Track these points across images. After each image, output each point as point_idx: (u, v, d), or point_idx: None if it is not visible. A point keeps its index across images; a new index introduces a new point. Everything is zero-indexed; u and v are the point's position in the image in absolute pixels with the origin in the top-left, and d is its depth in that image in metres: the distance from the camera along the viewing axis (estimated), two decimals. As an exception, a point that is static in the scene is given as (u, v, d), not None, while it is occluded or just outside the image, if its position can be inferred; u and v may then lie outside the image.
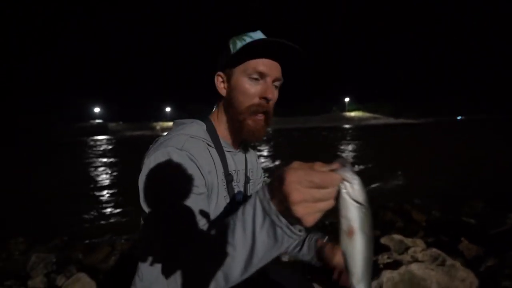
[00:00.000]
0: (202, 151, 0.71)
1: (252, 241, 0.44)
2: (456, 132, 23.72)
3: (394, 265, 1.67)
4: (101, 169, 9.91)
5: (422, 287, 1.52)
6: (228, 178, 0.78)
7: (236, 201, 0.80)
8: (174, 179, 0.64)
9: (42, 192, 6.27)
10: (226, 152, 0.79)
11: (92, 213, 4.68)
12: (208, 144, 0.75)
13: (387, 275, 1.56)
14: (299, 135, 27.94)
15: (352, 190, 0.38)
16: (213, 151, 0.76)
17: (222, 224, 0.49)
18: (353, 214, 0.38)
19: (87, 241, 3.26)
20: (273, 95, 0.77)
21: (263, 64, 0.75)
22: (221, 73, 0.80)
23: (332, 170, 0.39)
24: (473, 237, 2.40)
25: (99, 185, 7.21)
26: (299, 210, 0.38)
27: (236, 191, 0.82)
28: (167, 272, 0.54)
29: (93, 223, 4.19)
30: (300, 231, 0.42)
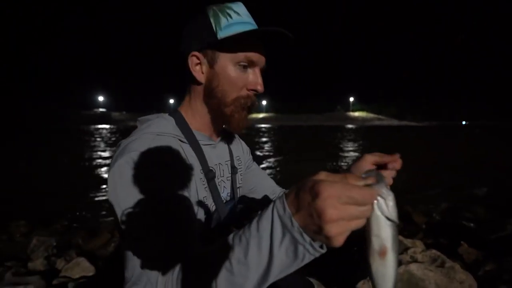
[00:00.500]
0: (173, 150, 0.62)
1: (269, 260, 0.39)
2: (460, 137, 23.57)
3: (393, 264, 1.66)
4: (102, 159, 9.96)
5: (421, 287, 1.52)
6: (209, 175, 0.69)
7: (221, 199, 0.74)
8: (146, 189, 0.54)
9: (44, 179, 6.32)
10: (203, 146, 0.71)
11: (93, 199, 4.71)
12: (180, 140, 0.66)
13: (385, 274, 1.56)
14: (302, 133, 27.87)
15: (385, 207, 0.35)
16: (187, 147, 0.67)
17: (230, 241, 0.44)
18: (386, 233, 0.36)
19: (87, 227, 3.29)
20: (263, 87, 0.69)
21: (256, 52, 0.67)
22: (197, 54, 0.67)
23: (367, 185, 0.36)
24: (473, 241, 2.39)
25: (101, 173, 7.25)
26: (332, 229, 0.34)
27: (220, 187, 0.75)
28: None
29: (94, 210, 4.22)
30: (321, 247, 0.38)
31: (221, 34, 0.64)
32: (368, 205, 0.35)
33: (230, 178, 0.80)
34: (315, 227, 0.35)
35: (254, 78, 0.68)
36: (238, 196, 0.85)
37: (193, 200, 0.65)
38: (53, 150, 12.28)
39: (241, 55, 0.66)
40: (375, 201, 0.35)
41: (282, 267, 0.40)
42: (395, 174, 0.64)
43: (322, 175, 0.37)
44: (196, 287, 0.45)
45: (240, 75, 0.67)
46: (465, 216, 3.58)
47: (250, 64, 0.67)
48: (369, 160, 0.65)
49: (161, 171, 0.57)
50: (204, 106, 0.71)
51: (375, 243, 0.36)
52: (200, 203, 0.67)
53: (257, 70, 0.69)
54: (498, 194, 4.86)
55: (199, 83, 0.69)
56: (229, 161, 0.82)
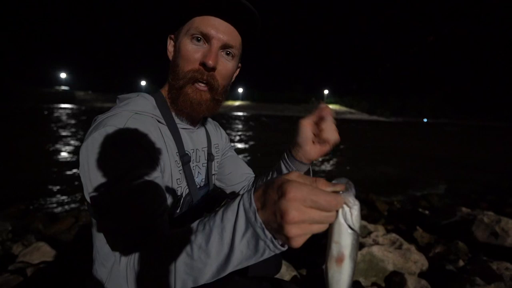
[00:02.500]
0: (150, 129, 0.61)
1: (229, 250, 0.40)
2: (421, 132, 25.42)
3: (357, 246, 1.78)
4: (63, 141, 9.28)
5: (380, 266, 1.65)
6: (184, 158, 0.68)
7: (195, 183, 0.72)
8: (118, 165, 0.53)
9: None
10: (181, 130, 0.70)
11: (54, 184, 4.41)
12: (158, 121, 0.65)
13: (350, 255, 1.67)
14: (275, 123, 28.20)
15: (350, 216, 0.36)
16: (165, 129, 0.66)
17: (194, 226, 0.44)
18: (346, 241, 0.36)
19: (48, 212, 3.08)
20: (215, 61, 0.63)
21: (210, 25, 0.62)
22: (172, 35, 0.70)
23: (336, 192, 0.36)
24: (427, 227, 2.63)
25: (61, 156, 6.77)
26: (293, 230, 0.34)
27: (195, 172, 0.74)
28: (129, 269, 0.48)
29: (55, 194, 3.96)
30: (282, 245, 0.38)
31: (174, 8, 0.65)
32: (332, 211, 0.35)
33: (206, 165, 0.80)
34: (276, 226, 0.35)
35: (205, 51, 0.63)
36: (213, 182, 0.85)
37: (166, 181, 0.64)
38: (7, 130, 11.16)
39: (193, 27, 0.63)
40: (340, 209, 0.35)
41: (242, 258, 0.40)
42: (335, 122, 0.62)
43: (294, 175, 0.37)
44: (156, 267, 0.46)
45: (193, 48, 0.63)
46: (421, 204, 3.92)
47: (205, 37, 0.63)
48: (307, 125, 0.63)
49: (135, 148, 0.56)
50: (168, 85, 0.70)
51: (334, 250, 0.36)
52: (173, 185, 0.66)
53: (215, 44, 0.63)
54: (450, 184, 5.37)
55: (170, 63, 0.69)
56: (206, 148, 0.80)
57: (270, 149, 9.42)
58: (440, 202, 4.06)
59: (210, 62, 0.62)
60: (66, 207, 3.33)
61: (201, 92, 0.65)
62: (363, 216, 3.24)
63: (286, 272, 1.60)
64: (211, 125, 0.89)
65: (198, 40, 0.63)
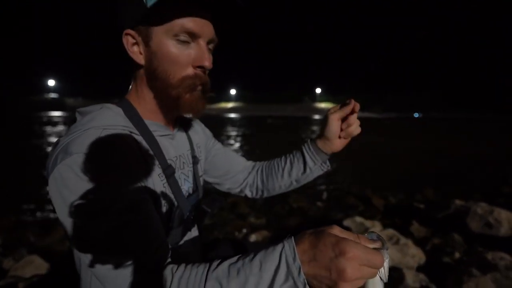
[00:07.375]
0: (125, 146, 0.53)
1: None
2: (412, 127, 25.80)
3: (355, 244, 1.79)
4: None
5: (379, 262, 1.65)
6: (168, 171, 0.61)
7: (183, 195, 0.66)
8: (101, 200, 0.46)
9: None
10: (159, 138, 0.63)
11: (45, 192, 4.31)
12: (131, 132, 0.57)
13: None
14: (271, 123, 28.27)
15: (383, 270, 0.39)
16: (141, 141, 0.58)
17: (224, 269, 0.42)
18: None
19: (39, 222, 3.01)
20: (210, 62, 0.61)
21: (194, 22, 0.57)
22: (131, 32, 0.58)
23: (376, 248, 0.39)
24: (423, 220, 2.66)
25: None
26: (346, 287, 0.35)
27: (181, 181, 0.68)
28: None
29: (47, 203, 3.87)
30: None
31: (150, 3, 0.53)
32: (378, 268, 0.38)
33: (192, 169, 0.73)
34: (330, 282, 0.36)
35: (198, 52, 0.59)
36: (201, 185, 0.79)
37: (154, 200, 0.58)
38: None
39: (176, 26, 0.56)
40: None
41: None
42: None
43: (336, 229, 0.39)
44: None
45: (181, 50, 0.58)
46: (416, 198, 3.96)
47: (191, 36, 0.58)
48: (337, 119, 0.72)
49: (114, 173, 0.49)
50: (150, 92, 0.62)
51: None
52: (161, 202, 0.60)
53: (201, 43, 0.59)
54: (445, 177, 5.45)
55: (140, 66, 0.61)
56: (190, 151, 0.74)
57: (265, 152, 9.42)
58: (435, 195, 4.11)
59: (208, 64, 0.60)
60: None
61: (197, 93, 0.62)
62: (360, 212, 3.25)
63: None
64: (190, 124, 0.80)
65: (185, 42, 0.58)
